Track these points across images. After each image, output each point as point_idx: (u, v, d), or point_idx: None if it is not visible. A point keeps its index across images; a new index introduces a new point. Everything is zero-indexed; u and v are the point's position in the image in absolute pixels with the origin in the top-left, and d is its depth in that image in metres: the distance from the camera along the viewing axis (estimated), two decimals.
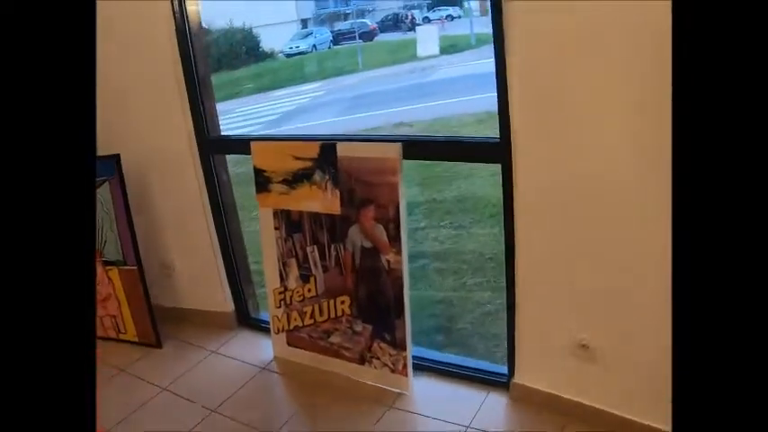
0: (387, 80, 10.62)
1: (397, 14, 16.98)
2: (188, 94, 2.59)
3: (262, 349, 2.75)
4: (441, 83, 9.66)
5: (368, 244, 2.27)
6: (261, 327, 2.89)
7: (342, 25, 16.05)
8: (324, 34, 15.13)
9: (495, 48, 1.87)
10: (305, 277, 2.47)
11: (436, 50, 11.48)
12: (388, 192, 2.16)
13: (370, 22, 15.88)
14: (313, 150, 2.29)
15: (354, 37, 14.00)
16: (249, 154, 2.45)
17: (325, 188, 2.29)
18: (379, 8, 17.08)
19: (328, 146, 2.25)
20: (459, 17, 16.29)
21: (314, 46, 14.32)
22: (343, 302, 2.40)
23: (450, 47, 11.80)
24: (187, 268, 2.98)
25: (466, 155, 2.24)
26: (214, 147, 2.70)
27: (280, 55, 14.31)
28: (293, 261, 2.48)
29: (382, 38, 14.98)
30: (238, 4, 12.88)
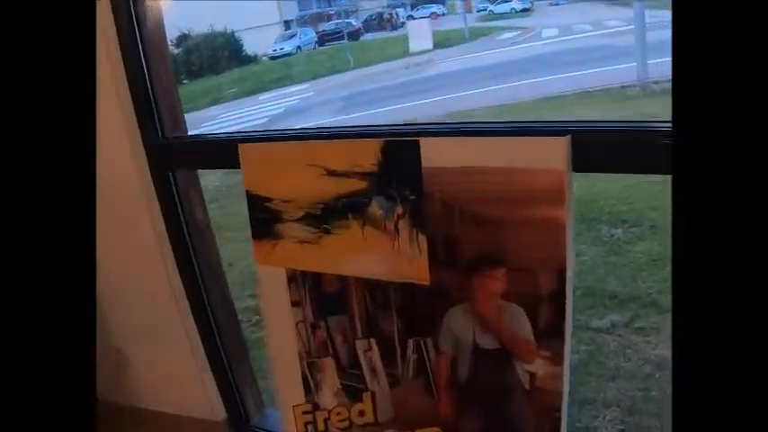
0: (382, 77, 9.49)
1: (381, 14, 16.19)
2: (127, 77, 1.38)
3: None
4: (441, 77, 8.59)
5: (488, 342, 1.06)
6: None
7: (326, 26, 15.24)
8: (308, 35, 14.39)
9: None
10: (352, 391, 1.26)
11: (429, 45, 10.59)
12: (539, 239, 0.97)
13: (354, 22, 15.09)
14: (368, 156, 1.07)
15: (342, 37, 13.22)
16: (237, 167, 1.24)
17: (395, 231, 1.08)
18: (362, 8, 16.26)
19: (402, 145, 1.05)
20: (444, 15, 15.65)
21: (299, 47, 13.55)
22: None
23: (443, 41, 10.88)
24: (148, 353, 1.77)
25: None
26: (174, 156, 1.47)
27: (264, 58, 13.41)
28: (329, 363, 1.26)
29: (367, 38, 14.29)
30: (219, 7, 11.87)
